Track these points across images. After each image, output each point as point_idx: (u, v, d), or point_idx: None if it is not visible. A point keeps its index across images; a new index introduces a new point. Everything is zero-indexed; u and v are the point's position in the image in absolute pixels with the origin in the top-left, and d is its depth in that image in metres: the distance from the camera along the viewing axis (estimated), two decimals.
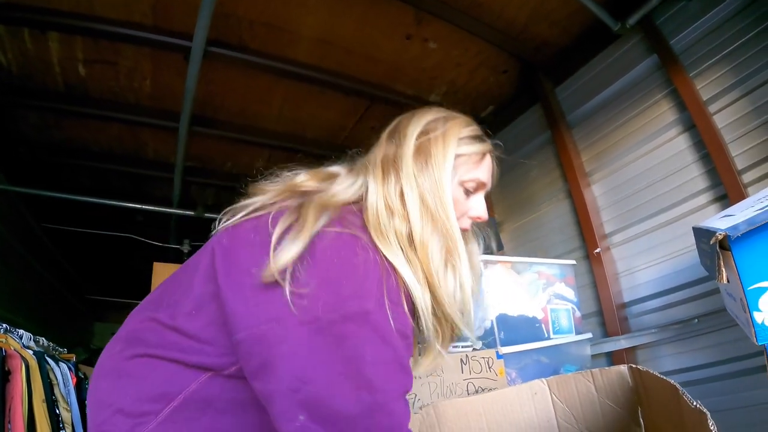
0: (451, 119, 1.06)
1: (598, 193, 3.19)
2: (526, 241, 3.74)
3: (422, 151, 0.99)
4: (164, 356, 0.85)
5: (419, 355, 1.02)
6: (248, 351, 0.79)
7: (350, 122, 3.98)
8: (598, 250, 3.03)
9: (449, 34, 3.14)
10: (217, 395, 0.84)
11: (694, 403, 0.92)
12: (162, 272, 3.91)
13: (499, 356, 2.17)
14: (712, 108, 2.53)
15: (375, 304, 0.80)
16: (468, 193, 1.05)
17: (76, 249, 5.65)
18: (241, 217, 0.93)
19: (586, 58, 3.29)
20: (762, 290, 1.25)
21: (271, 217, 0.87)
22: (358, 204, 0.97)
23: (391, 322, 0.80)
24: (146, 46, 2.92)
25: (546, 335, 2.65)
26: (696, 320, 2.47)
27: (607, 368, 1.37)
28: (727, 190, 2.41)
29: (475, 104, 3.96)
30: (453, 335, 1.00)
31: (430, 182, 0.96)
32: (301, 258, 0.79)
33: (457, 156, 1.01)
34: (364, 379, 0.76)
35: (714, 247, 1.27)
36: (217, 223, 0.98)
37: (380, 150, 1.03)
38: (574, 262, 2.99)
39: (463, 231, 1.04)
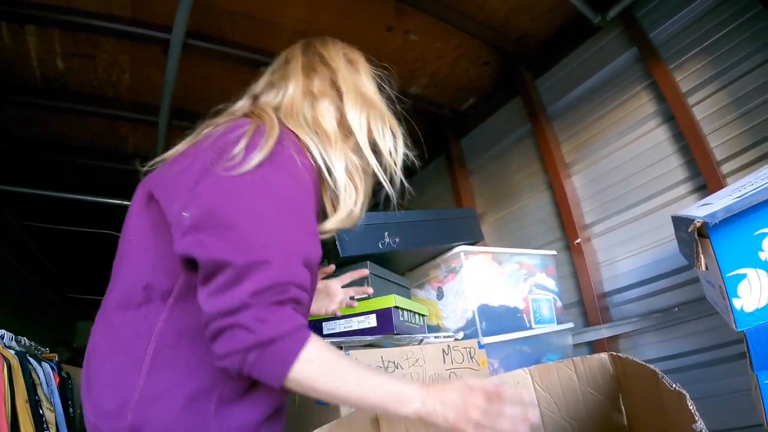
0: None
1: (578, 184, 3.23)
2: (507, 233, 3.77)
3: (352, 63, 1.26)
4: (132, 306, 0.96)
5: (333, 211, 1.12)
6: (172, 221, 0.93)
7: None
8: (578, 241, 3.06)
9: (430, 26, 3.14)
10: (185, 325, 0.94)
11: (673, 386, 0.94)
12: None
13: (481, 346, 2.18)
14: (691, 100, 2.57)
15: (278, 167, 0.96)
16: None
17: (57, 246, 5.57)
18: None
19: (567, 50, 3.32)
20: (740, 277, 1.28)
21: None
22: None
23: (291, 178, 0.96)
24: (124, 38, 2.86)
25: (528, 325, 2.68)
26: (676, 309, 2.51)
27: (588, 356, 1.38)
28: (706, 180, 2.45)
29: (455, 96, 3.96)
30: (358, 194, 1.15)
31: (365, 80, 1.24)
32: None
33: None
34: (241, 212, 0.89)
35: (692, 235, 1.29)
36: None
37: (297, 61, 1.23)
38: (554, 252, 3.01)
39: None
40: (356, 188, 1.13)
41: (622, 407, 1.35)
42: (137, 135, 3.88)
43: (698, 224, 1.25)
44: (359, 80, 1.23)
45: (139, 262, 1.00)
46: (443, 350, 1.95)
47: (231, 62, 3.14)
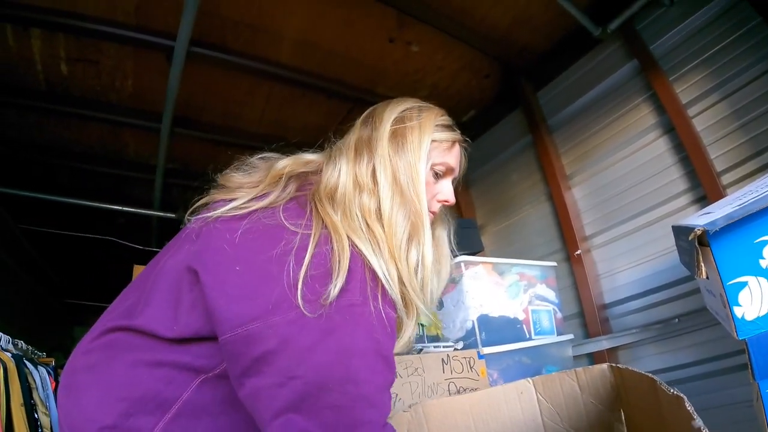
0: (427, 108, 1.14)
1: (578, 195, 3.23)
2: (507, 244, 3.77)
3: (398, 135, 1.05)
4: (150, 362, 0.84)
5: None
6: (234, 351, 0.79)
7: (332, 125, 3.94)
8: (578, 252, 3.06)
9: (432, 37, 3.16)
10: (210, 399, 0.84)
11: (672, 391, 0.94)
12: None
13: (480, 356, 2.17)
14: (692, 111, 2.58)
15: (360, 297, 0.83)
16: (437, 176, 1.12)
17: (55, 251, 5.55)
18: (224, 212, 0.92)
19: (568, 62, 3.34)
20: (741, 285, 1.26)
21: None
22: None
23: (375, 314, 0.83)
24: (129, 44, 2.88)
25: (527, 336, 2.67)
26: (677, 320, 2.51)
27: (590, 367, 1.38)
28: (706, 191, 2.46)
29: (456, 108, 3.98)
30: (414, 312, 1.01)
31: (404, 163, 1.02)
32: None
33: (432, 141, 1.07)
34: (350, 371, 0.77)
35: (693, 243, 1.29)
36: (187, 217, 1.00)
37: (354, 134, 1.09)
38: (555, 263, 3.01)
39: (432, 213, 1.12)
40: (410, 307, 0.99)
41: (623, 417, 1.35)
42: (139, 141, 3.88)
43: (699, 232, 1.25)
44: (411, 164, 1.04)
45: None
46: (443, 360, 1.95)
47: (233, 70, 3.16)
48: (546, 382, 1.48)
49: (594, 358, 2.91)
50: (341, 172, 1.00)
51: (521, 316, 2.68)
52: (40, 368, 2.95)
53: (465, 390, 1.98)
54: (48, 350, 3.55)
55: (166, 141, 3.50)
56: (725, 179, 2.42)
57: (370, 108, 1.17)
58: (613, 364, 1.33)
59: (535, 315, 2.75)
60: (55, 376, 3.19)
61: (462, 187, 4.13)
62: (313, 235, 0.85)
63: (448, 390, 1.93)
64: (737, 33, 2.42)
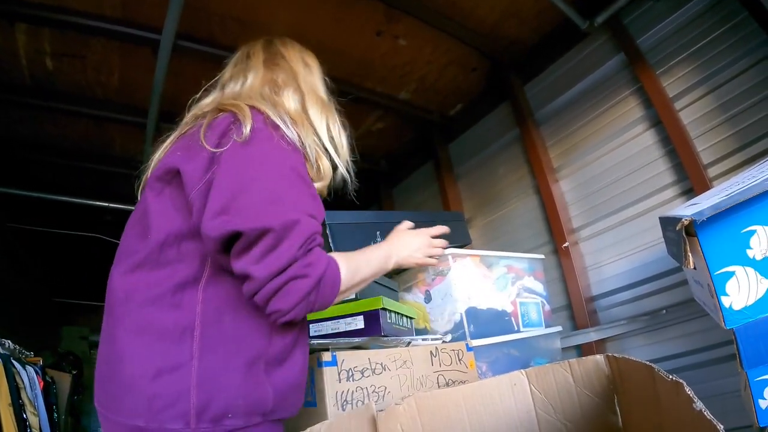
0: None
1: (566, 188, 3.26)
2: (495, 237, 3.79)
3: (307, 64, 1.40)
4: (160, 294, 1.02)
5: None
6: (203, 195, 1.02)
7: None
8: (566, 245, 3.09)
9: (420, 31, 3.15)
10: (221, 299, 1.03)
11: (670, 377, 0.94)
12: None
13: (469, 348, 2.18)
14: (678, 104, 2.61)
15: (265, 130, 1.10)
16: None
17: (43, 249, 5.52)
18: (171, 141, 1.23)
19: (555, 56, 3.35)
20: (728, 275, 1.28)
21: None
22: None
23: (276, 138, 1.10)
24: (115, 39, 2.85)
25: (516, 328, 2.68)
26: (664, 311, 2.54)
27: (583, 358, 1.38)
28: (693, 184, 2.48)
29: (444, 102, 3.99)
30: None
31: (313, 79, 1.38)
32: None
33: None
34: (262, 173, 1.03)
35: (680, 233, 1.30)
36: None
37: (259, 56, 1.38)
38: (542, 256, 3.02)
39: None
40: (322, 163, 1.25)
41: (617, 408, 1.36)
42: (125, 137, 3.85)
43: (686, 222, 1.26)
44: (316, 83, 1.38)
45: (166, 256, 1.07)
46: (431, 352, 1.94)
47: (220, 64, 3.13)
48: (539, 373, 1.48)
49: (582, 349, 2.94)
50: (249, 79, 1.32)
51: (509, 309, 2.69)
52: (28, 368, 2.93)
53: (454, 382, 1.98)
54: (36, 350, 3.53)
55: (152, 135, 3.45)
56: (712, 172, 2.45)
57: (262, 40, 1.45)
58: (609, 354, 1.33)
59: (523, 307, 2.76)
60: (43, 375, 3.18)
61: (449, 180, 4.15)
62: (225, 119, 1.11)
63: (437, 382, 1.93)
64: (724, 27, 2.45)
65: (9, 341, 2.96)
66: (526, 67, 3.55)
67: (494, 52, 3.49)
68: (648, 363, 1.07)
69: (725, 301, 1.28)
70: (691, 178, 2.48)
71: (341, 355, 1.55)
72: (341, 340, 1.77)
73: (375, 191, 5.18)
